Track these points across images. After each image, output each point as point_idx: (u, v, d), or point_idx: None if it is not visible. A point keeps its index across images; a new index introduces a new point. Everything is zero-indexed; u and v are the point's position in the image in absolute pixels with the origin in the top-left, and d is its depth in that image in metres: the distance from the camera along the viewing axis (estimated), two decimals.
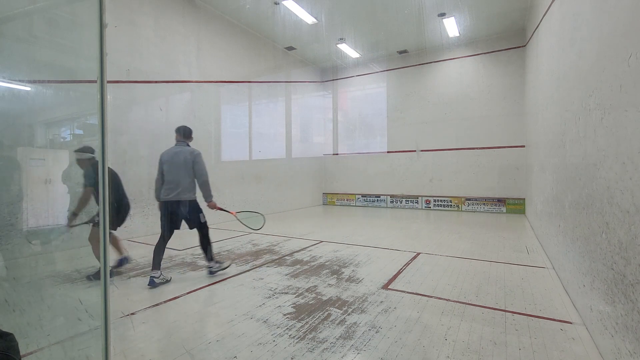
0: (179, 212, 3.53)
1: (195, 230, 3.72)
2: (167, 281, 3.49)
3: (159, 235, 3.53)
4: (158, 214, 3.57)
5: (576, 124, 2.68)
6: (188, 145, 3.66)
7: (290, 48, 10.05)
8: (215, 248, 5.08)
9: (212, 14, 7.75)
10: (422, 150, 10.41)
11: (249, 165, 8.80)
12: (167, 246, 3.52)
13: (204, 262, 4.08)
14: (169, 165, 3.52)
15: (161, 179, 3.58)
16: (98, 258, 3.25)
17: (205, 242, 3.73)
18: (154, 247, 3.50)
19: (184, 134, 3.66)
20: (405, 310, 2.74)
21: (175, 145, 3.64)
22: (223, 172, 7.96)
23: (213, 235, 6.10)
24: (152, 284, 3.34)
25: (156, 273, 3.39)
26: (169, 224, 3.51)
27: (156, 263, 3.42)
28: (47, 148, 3.99)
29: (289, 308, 2.80)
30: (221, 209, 3.82)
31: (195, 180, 3.61)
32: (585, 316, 2.43)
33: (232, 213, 3.88)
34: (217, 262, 3.76)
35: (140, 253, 4.75)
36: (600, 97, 2.08)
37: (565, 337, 2.28)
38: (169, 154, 3.56)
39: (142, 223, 6.08)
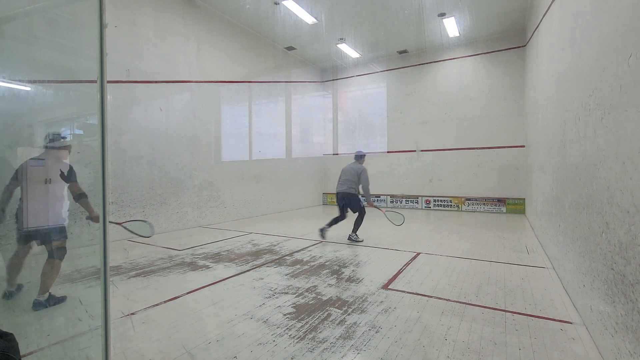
0: (346, 198, 5.43)
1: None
2: (322, 237, 5.57)
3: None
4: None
5: (576, 124, 2.68)
6: (359, 164, 5.56)
7: (290, 48, 10.05)
8: (216, 248, 5.09)
9: (212, 14, 7.75)
10: (422, 150, 10.41)
11: (249, 165, 8.79)
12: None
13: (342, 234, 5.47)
14: (346, 172, 5.52)
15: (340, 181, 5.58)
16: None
17: (358, 222, 5.48)
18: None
19: (361, 157, 5.64)
20: (405, 310, 2.74)
21: (353, 163, 5.60)
22: (223, 172, 7.95)
23: (213, 235, 6.14)
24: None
25: (325, 229, 5.57)
26: (341, 207, 5.55)
27: (330, 223, 5.58)
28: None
29: (289, 308, 2.80)
30: (375, 207, 5.61)
31: (361, 186, 5.42)
32: (585, 316, 2.43)
33: (382, 210, 5.53)
34: (357, 235, 5.46)
35: (140, 253, 4.76)
36: (600, 97, 2.08)
37: (565, 337, 2.28)
38: (348, 166, 5.59)
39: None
